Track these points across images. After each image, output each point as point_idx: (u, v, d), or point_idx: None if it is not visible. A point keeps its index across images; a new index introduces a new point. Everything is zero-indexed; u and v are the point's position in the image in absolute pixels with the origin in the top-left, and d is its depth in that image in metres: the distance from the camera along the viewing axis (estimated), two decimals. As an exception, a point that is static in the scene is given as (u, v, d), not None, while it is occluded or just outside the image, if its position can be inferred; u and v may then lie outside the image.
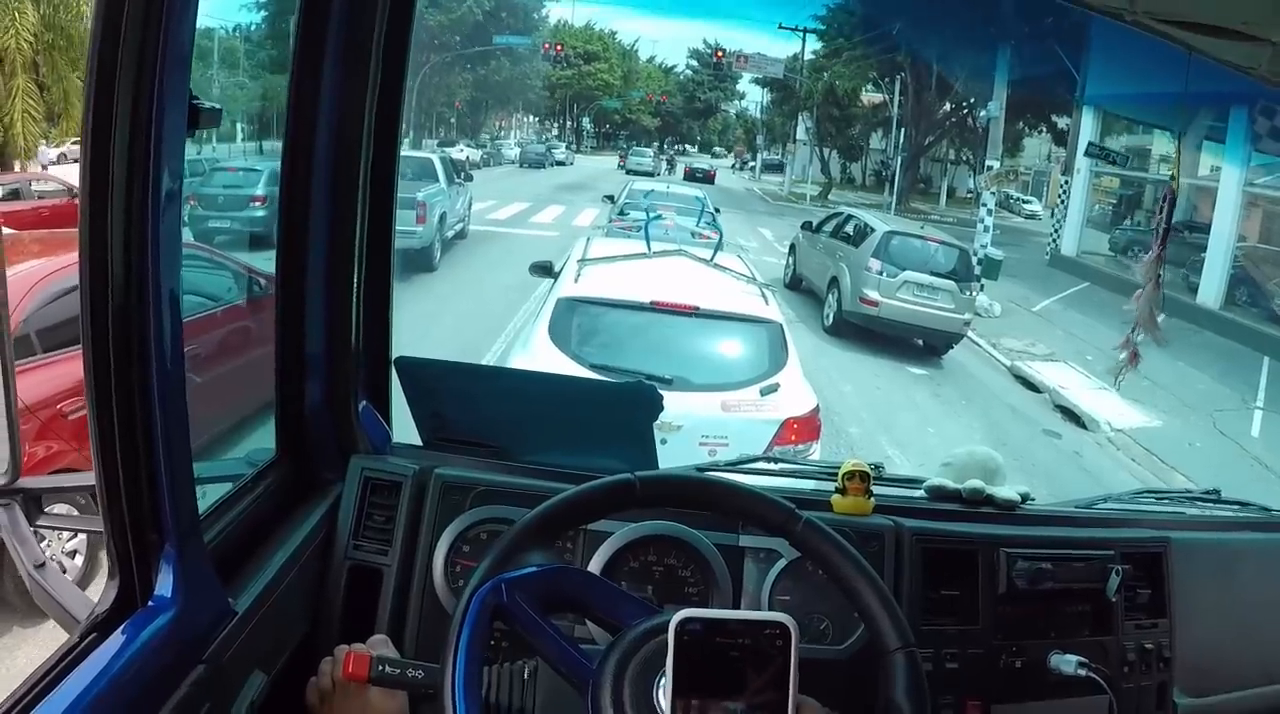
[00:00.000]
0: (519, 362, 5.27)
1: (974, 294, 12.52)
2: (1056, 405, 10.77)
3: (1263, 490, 8.10)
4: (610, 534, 1.76)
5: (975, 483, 2.08)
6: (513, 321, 10.37)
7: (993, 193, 17.49)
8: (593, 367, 5.02)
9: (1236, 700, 2.04)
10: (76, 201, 1.08)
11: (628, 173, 32.88)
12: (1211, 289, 16.05)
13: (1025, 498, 2.10)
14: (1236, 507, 2.38)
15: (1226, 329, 14.81)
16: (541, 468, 1.94)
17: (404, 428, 2.02)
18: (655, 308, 5.36)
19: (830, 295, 12.81)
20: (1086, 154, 20.84)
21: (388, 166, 1.86)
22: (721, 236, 6.94)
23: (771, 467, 2.26)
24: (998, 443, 9.05)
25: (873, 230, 12.83)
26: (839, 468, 1.98)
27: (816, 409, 5.33)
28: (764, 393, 5.18)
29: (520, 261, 11.42)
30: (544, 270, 7.16)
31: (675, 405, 4.42)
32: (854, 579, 1.33)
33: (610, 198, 16.39)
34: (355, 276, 1.78)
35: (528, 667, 1.40)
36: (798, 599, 1.77)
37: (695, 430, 4.87)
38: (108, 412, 1.11)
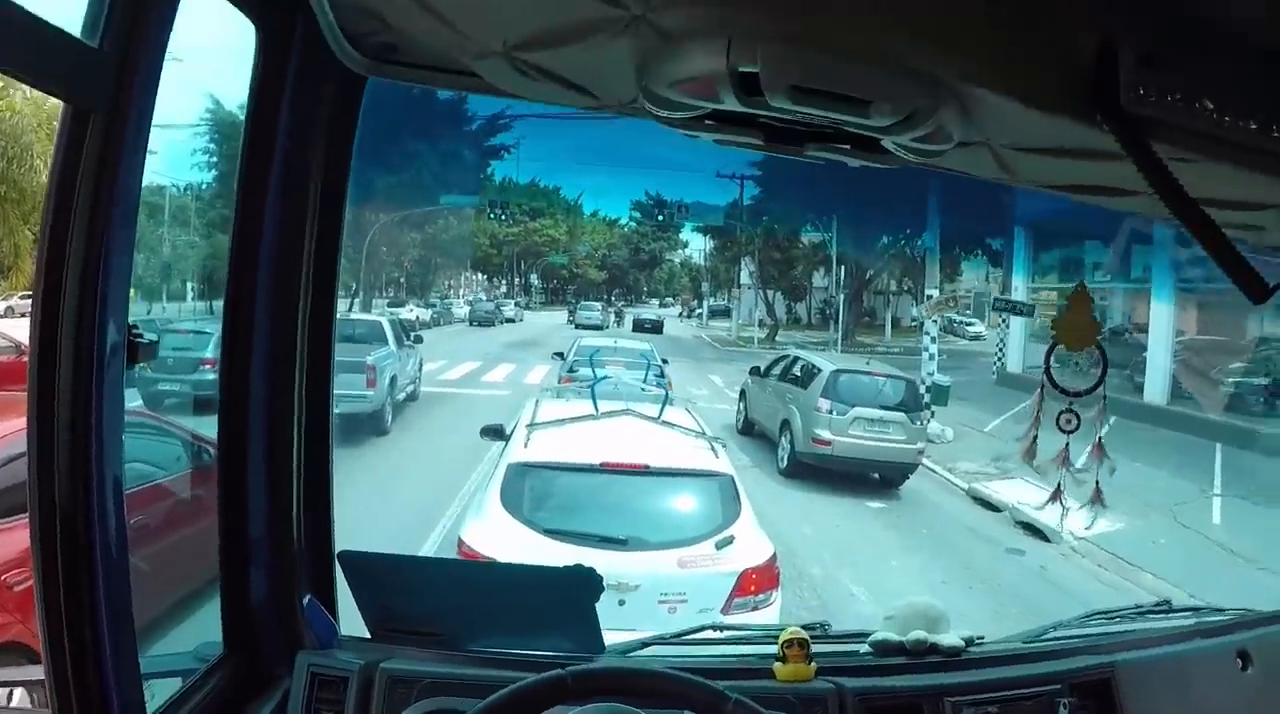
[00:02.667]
0: (474, 529, 5.27)
1: (924, 424, 12.78)
2: (1017, 522, 10.83)
3: (1229, 576, 8.16)
4: None
5: (918, 634, 2.13)
6: (467, 484, 10.25)
7: (934, 321, 17.82)
8: (546, 532, 5.10)
9: None
10: (23, 360, 1.15)
11: (576, 327, 33.08)
12: (1157, 386, 16.43)
13: (970, 642, 2.15)
14: (1188, 614, 2.44)
15: (1177, 423, 15.06)
16: (488, 656, 1.97)
17: (353, 616, 2.05)
18: (605, 469, 5.43)
19: (783, 438, 12.92)
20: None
21: (324, 340, 1.93)
22: (669, 392, 7.00)
23: (716, 635, 2.31)
24: (961, 567, 9.13)
25: (819, 370, 13.10)
26: (780, 632, 2.03)
27: (774, 557, 5.36)
28: (719, 546, 5.20)
29: (472, 421, 11.45)
30: (495, 433, 7.23)
31: (631, 565, 4.87)
32: None
33: (560, 354, 16.92)
34: (295, 474, 1.83)
35: None
36: None
37: (654, 589, 4.91)
38: (57, 621, 1.15)
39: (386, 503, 9.15)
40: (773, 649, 2.04)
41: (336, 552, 2.00)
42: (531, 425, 5.96)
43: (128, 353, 1.21)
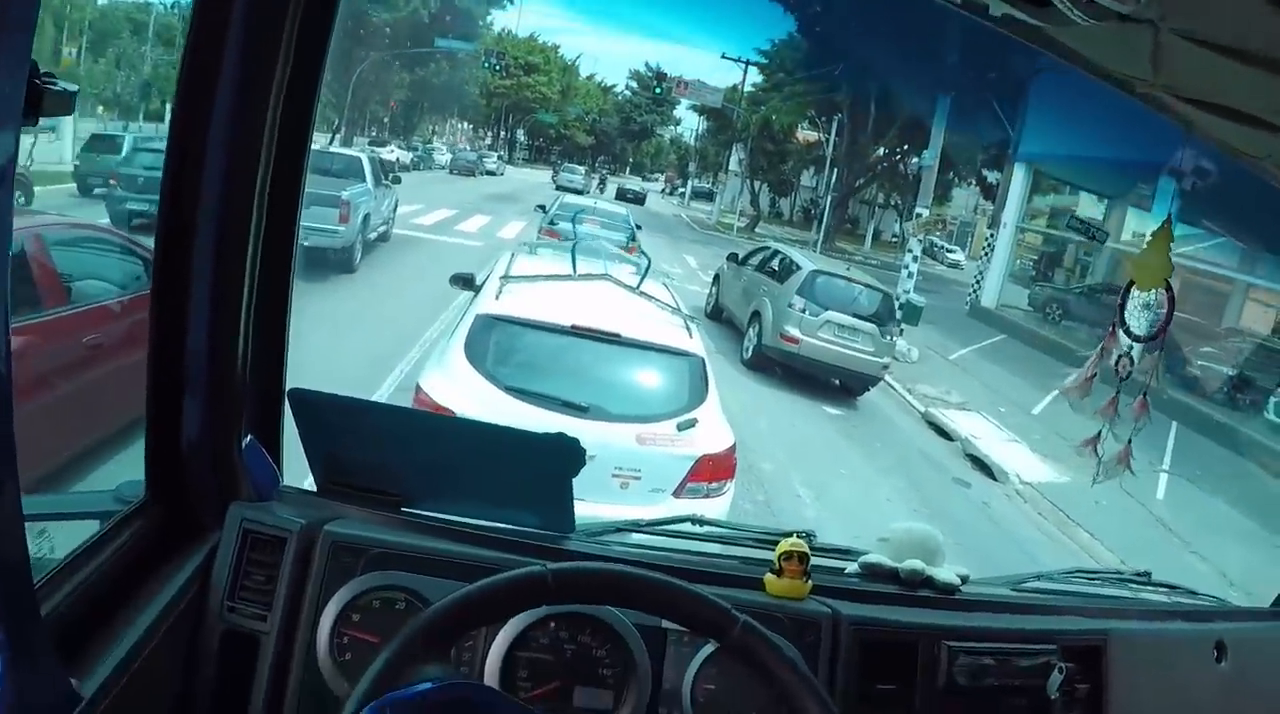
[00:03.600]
0: (433, 378, 5.07)
1: (894, 339, 12.63)
2: (967, 454, 10.87)
3: (1162, 553, 8.29)
4: None
5: (915, 564, 1.97)
6: (430, 330, 10.20)
7: (920, 239, 17.67)
8: (507, 389, 4.91)
9: None
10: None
11: (557, 188, 32.72)
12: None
13: (964, 580, 2.00)
14: (1166, 590, 2.35)
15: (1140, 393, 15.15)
16: (447, 526, 1.74)
17: (298, 466, 1.81)
18: (576, 331, 5.14)
19: (751, 328, 12.78)
20: (1068, 227, 21.27)
21: (294, 167, 1.66)
22: (649, 263, 6.72)
23: (696, 530, 2.10)
24: (909, 488, 9.15)
25: (799, 268, 12.88)
26: (772, 536, 1.88)
27: (733, 447, 5.23)
28: (681, 428, 5.05)
29: (442, 269, 11.41)
30: (465, 282, 6.96)
31: (590, 433, 3.89)
32: (801, 699, 1.18)
33: (542, 207, 17.00)
34: (246, 291, 1.54)
35: None
36: (724, 690, 1.62)
37: (608, 461, 4.77)
38: None
39: (342, 343, 8.97)
40: (758, 554, 1.91)
41: (287, 389, 1.73)
42: (505, 278, 5.65)
43: (27, 100, 0.91)
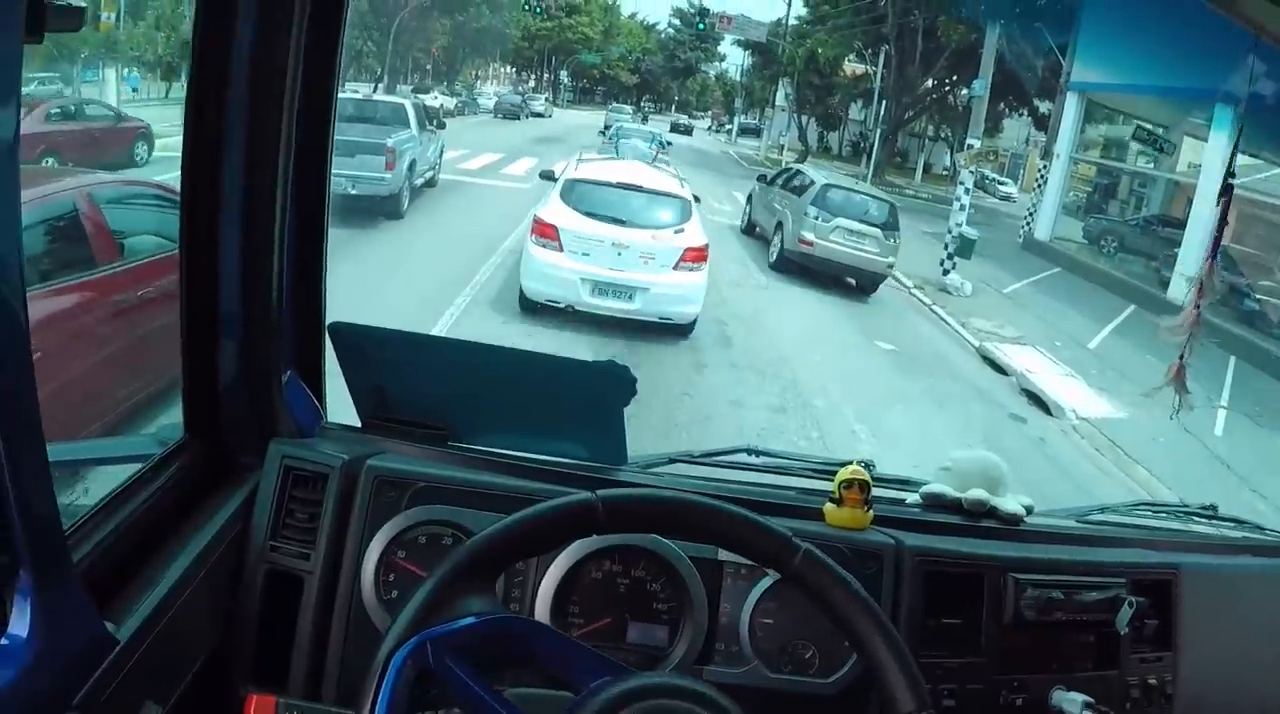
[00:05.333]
0: (544, 210, 9.31)
1: (897, 242, 14.00)
2: (1023, 389, 10.64)
3: (1222, 491, 8.12)
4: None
5: (978, 493, 1.90)
6: (481, 271, 10.49)
7: (971, 172, 17.09)
8: (583, 212, 9.21)
9: None
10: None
11: (606, 127, 32.83)
12: (1183, 286, 15.93)
13: (1029, 510, 1.92)
14: (1233, 525, 2.25)
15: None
16: (495, 459, 1.69)
17: (344, 403, 1.76)
18: (619, 185, 9.72)
19: (776, 237, 14.64)
20: (1133, 138, 20.71)
21: (324, 90, 1.58)
22: (664, 146, 15.00)
23: (752, 460, 2.03)
24: (963, 423, 9.04)
25: (814, 183, 14.68)
26: (830, 466, 1.81)
27: (706, 246, 9.35)
28: (675, 232, 9.31)
29: (488, 215, 12.12)
30: (549, 177, 10.81)
31: (628, 235, 9.05)
32: (865, 629, 1.11)
33: (604, 130, 27.97)
34: (277, 224, 1.48)
35: None
36: (782, 622, 1.58)
37: (637, 248, 9.01)
38: None
39: (391, 288, 9.07)
40: (816, 484, 1.85)
41: (328, 322, 1.68)
42: (580, 159, 10.88)
43: (29, 16, 0.84)
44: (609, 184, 9.61)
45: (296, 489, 1.53)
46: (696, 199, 10.15)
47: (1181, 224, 16.89)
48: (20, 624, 0.96)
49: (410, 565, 1.51)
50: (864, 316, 12.36)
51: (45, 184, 4.78)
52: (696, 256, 9.09)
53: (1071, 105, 21.81)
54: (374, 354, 1.69)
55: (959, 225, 15.82)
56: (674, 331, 9.29)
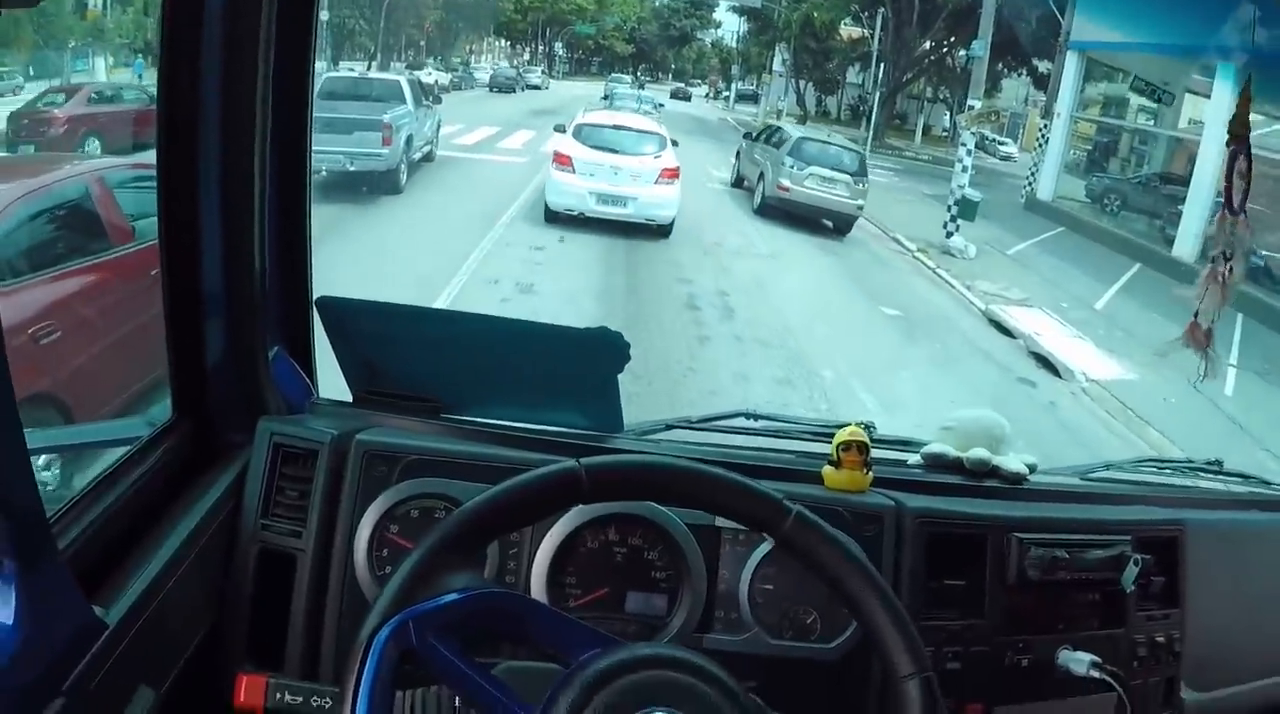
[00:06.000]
0: (559, 145, 12.89)
1: (865, 186, 15.65)
2: (1031, 352, 10.59)
3: (1235, 450, 8.10)
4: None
5: (980, 452, 1.89)
6: (479, 247, 10.66)
7: (972, 133, 16.94)
8: (590, 145, 12.60)
9: (1244, 694, 1.92)
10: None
11: (605, 97, 32.98)
12: (1188, 243, 15.88)
13: (1032, 469, 1.92)
14: (1239, 480, 2.24)
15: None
16: (487, 429, 1.69)
17: (337, 379, 1.76)
18: (616, 127, 13.53)
19: (759, 186, 16.44)
20: (1132, 88, 20.63)
21: (300, 66, 1.56)
22: (657, 106, 24.59)
23: (751, 425, 2.02)
24: (971, 389, 8.98)
25: (790, 136, 16.68)
26: (829, 428, 1.79)
27: (678, 168, 12.76)
28: (654, 157, 12.72)
29: (485, 189, 12.95)
30: (560, 129, 14.34)
31: (621, 160, 12.53)
32: (861, 592, 1.09)
33: (607, 97, 30.97)
34: (256, 198, 1.46)
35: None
36: (782, 588, 1.56)
37: (629, 169, 12.31)
38: None
39: (390, 264, 9.02)
40: (816, 447, 1.84)
41: (315, 297, 1.67)
42: (586, 109, 15.57)
43: None
44: (607, 126, 13.57)
45: (286, 466, 1.52)
46: (675, 143, 13.77)
47: (1185, 181, 16.76)
48: (4, 612, 0.96)
49: (403, 540, 1.50)
50: (867, 280, 12.45)
51: (56, 170, 4.99)
52: (670, 174, 12.63)
53: (1071, 64, 21.58)
54: (362, 327, 1.67)
55: (961, 187, 15.76)
56: (658, 232, 12.53)
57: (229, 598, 1.47)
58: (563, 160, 12.41)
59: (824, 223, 15.49)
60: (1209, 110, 16.42)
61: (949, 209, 15.74)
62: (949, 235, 15.40)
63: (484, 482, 1.42)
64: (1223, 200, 1.95)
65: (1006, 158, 32.95)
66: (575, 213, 12.17)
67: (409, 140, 13.79)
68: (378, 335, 1.69)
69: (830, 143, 16.60)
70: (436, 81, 31.42)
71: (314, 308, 1.67)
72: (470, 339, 1.74)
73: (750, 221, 15.45)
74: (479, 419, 1.74)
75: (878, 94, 31.58)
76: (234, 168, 1.43)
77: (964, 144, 16.60)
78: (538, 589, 1.51)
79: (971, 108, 17.48)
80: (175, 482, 1.45)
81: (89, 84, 9.28)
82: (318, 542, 1.49)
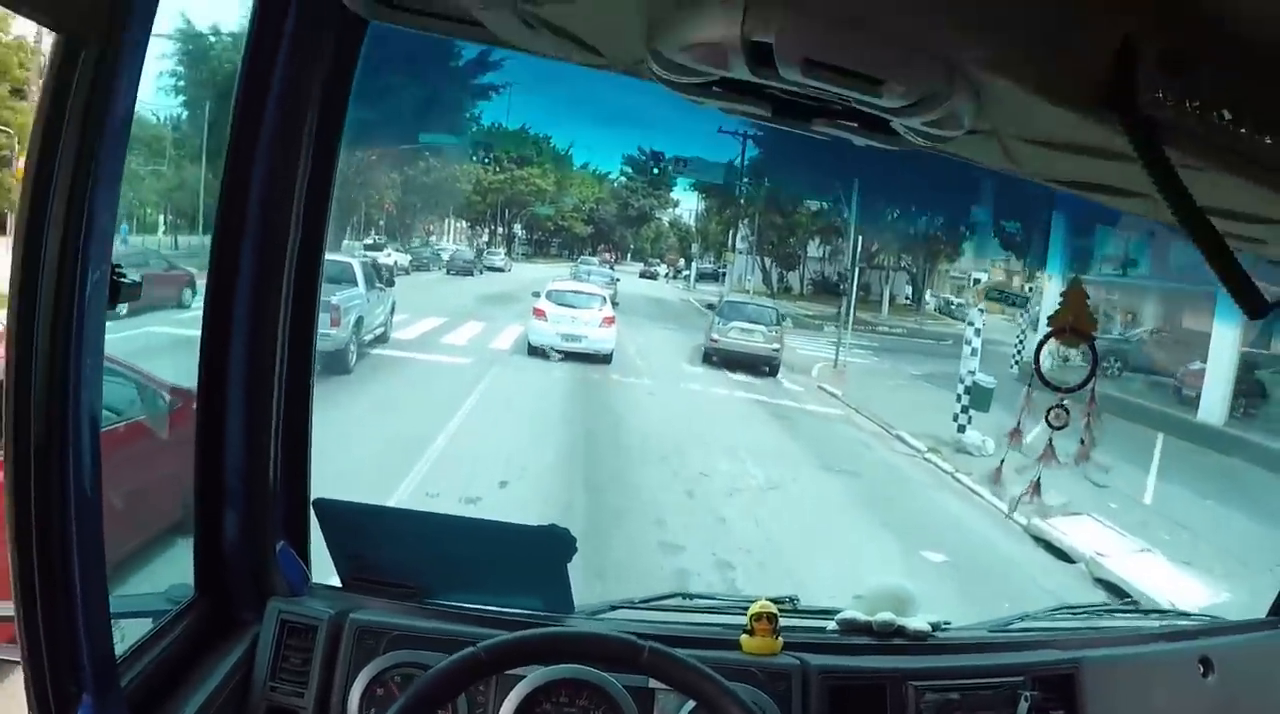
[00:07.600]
0: (538, 303, 19.37)
1: (780, 333, 20.99)
2: (1097, 579, 9.33)
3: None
4: (521, 678, 1.87)
5: (886, 615, 2.20)
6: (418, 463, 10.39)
7: (981, 310, 16.35)
8: (557, 303, 19.42)
9: None
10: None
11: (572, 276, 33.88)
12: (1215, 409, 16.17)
13: (937, 627, 2.22)
14: (1154, 615, 2.55)
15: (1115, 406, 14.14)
16: (457, 611, 2.07)
17: (325, 562, 2.14)
18: (575, 292, 20.55)
19: (705, 340, 21.20)
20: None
21: (308, 314, 1.99)
22: (614, 282, 29.96)
23: (685, 603, 2.39)
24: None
25: (721, 299, 24.03)
26: (749, 603, 2.11)
27: (614, 318, 19.74)
28: (599, 309, 19.41)
29: (423, 396, 13.01)
30: (536, 295, 19.65)
31: (577, 313, 19.32)
32: (718, 699, 1.46)
33: (575, 275, 32.88)
34: (274, 416, 1.92)
35: None
36: None
37: (580, 319, 18.91)
38: (28, 559, 1.19)
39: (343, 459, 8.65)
40: (740, 620, 2.12)
41: (312, 499, 2.08)
42: (554, 281, 21.87)
43: (110, 292, 1.24)
44: (569, 291, 20.26)
45: (291, 639, 1.91)
46: (616, 302, 21.75)
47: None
48: None
49: (389, 702, 1.83)
50: (890, 509, 10.97)
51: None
52: (609, 322, 19.15)
53: (1060, 225, 21.93)
54: (352, 525, 2.09)
55: (972, 373, 14.52)
56: (603, 361, 18.26)
57: None
58: (539, 313, 18.91)
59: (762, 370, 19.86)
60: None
61: (959, 399, 14.35)
62: (961, 429, 14.03)
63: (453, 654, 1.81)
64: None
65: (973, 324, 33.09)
66: (548, 347, 18.12)
67: (359, 322, 14.47)
68: (365, 532, 2.10)
69: (749, 302, 23.55)
70: (396, 262, 31.96)
71: (310, 506, 2.09)
72: (443, 535, 2.17)
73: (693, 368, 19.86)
74: (451, 602, 2.11)
75: (855, 269, 31.50)
76: (257, 396, 1.91)
77: (972, 323, 15.70)
78: None
79: (978, 281, 17.28)
80: (197, 648, 1.82)
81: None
82: (317, 701, 1.87)
